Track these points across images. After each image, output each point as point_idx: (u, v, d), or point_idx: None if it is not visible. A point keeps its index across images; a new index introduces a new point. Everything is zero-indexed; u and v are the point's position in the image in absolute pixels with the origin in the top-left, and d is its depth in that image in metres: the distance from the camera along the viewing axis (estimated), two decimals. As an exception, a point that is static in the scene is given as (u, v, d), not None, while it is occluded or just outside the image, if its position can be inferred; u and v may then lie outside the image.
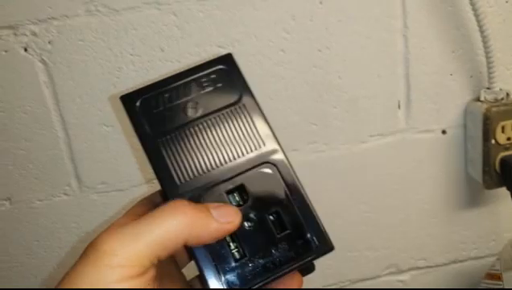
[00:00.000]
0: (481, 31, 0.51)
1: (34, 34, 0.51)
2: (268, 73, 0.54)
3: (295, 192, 0.34)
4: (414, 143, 0.58)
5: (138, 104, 0.36)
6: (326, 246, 0.33)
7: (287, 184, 0.34)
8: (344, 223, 0.61)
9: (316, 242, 0.33)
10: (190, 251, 0.33)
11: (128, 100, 0.36)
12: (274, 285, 0.34)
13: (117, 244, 0.29)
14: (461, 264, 0.65)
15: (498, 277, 0.59)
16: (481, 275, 0.63)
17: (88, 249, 0.30)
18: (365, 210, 0.61)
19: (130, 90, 0.36)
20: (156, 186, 0.35)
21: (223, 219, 0.31)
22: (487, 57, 0.53)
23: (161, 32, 0.51)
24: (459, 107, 0.57)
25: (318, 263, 0.34)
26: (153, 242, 0.29)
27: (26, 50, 0.51)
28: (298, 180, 0.34)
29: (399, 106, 0.57)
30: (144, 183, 0.57)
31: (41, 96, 0.53)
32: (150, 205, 0.36)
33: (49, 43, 0.51)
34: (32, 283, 0.61)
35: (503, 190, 0.55)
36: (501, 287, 0.58)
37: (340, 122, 0.57)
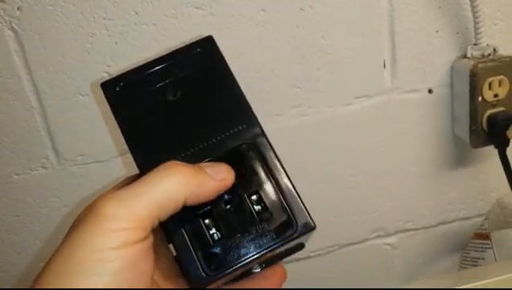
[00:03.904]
0: (467, -15, 0.50)
1: (1, 0, 0.48)
2: (248, 34, 0.52)
3: (274, 171, 0.33)
4: (400, 104, 0.57)
5: (117, 90, 0.35)
6: (307, 226, 0.32)
7: (267, 163, 0.34)
8: (330, 187, 0.60)
9: (297, 222, 0.32)
10: (166, 233, 0.32)
11: (108, 86, 0.36)
12: (257, 276, 0.33)
13: (116, 206, 0.28)
14: (449, 225, 0.65)
15: (486, 236, 0.59)
16: (469, 236, 0.63)
17: (86, 214, 0.28)
18: (351, 173, 0.60)
19: (110, 77, 0.36)
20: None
21: (218, 177, 0.31)
22: (473, 12, 0.51)
23: (134, -6, 0.49)
24: (445, 65, 0.56)
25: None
26: (153, 201, 0.28)
27: (-6, 17, 0.49)
28: (278, 158, 0.34)
29: (384, 66, 0.55)
30: (124, 153, 0.56)
31: (12, 65, 0.51)
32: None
33: (18, 9, 0.49)
34: (14, 259, 0.60)
35: (491, 149, 0.55)
36: (489, 246, 0.58)
37: (325, 85, 0.55)
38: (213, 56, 0.36)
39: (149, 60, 0.37)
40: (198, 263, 0.31)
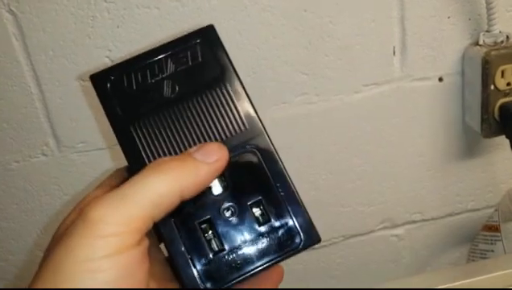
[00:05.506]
0: (482, -31, 0.48)
1: (-1, -19, 0.47)
2: (254, 20, 0.50)
3: (279, 179, 0.32)
4: (410, 92, 0.56)
5: (108, 84, 0.33)
6: (312, 238, 0.31)
7: (271, 171, 0.32)
8: (337, 177, 0.59)
9: (302, 234, 0.31)
10: (163, 241, 0.31)
11: (98, 79, 0.33)
12: (254, 279, 0.31)
13: (106, 210, 0.26)
14: (458, 217, 0.64)
15: (496, 228, 0.58)
16: (477, 228, 0.62)
17: (73, 221, 0.27)
18: (359, 164, 0.59)
19: (101, 69, 0.33)
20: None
21: (210, 159, 0.29)
22: (486, -2, 0.50)
23: (137, -25, 0.48)
24: (456, 53, 0.54)
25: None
26: (145, 201, 0.27)
27: (-8, 0, 0.48)
28: (283, 166, 0.32)
29: (394, 53, 0.54)
30: (126, 140, 0.54)
31: (11, 49, 0.49)
32: (124, 176, 0.33)
33: (16, -9, 0.47)
34: (13, 248, 0.59)
35: (502, 139, 0.53)
36: (499, 238, 0.57)
37: (333, 71, 0.54)
38: (214, 48, 0.34)
39: (144, 51, 0.34)
40: (198, 279, 0.30)
